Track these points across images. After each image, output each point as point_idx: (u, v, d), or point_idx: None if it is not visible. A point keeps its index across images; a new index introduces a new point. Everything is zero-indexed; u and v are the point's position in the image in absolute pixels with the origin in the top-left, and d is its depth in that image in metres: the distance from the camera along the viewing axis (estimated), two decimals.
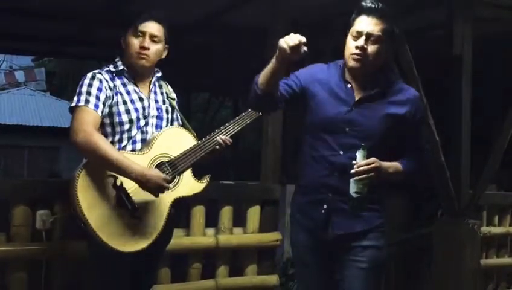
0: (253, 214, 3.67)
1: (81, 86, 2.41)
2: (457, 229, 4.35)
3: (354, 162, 2.29)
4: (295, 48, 2.11)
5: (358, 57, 2.34)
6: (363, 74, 2.40)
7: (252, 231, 3.65)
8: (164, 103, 2.61)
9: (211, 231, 3.53)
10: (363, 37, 2.32)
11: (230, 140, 2.54)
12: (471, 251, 4.35)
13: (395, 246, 5.10)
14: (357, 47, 2.33)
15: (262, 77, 2.29)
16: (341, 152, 2.37)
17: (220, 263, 3.56)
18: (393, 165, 2.41)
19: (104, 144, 2.31)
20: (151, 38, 2.50)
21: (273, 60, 2.21)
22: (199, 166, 2.54)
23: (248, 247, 3.66)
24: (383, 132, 2.37)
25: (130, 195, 2.34)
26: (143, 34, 2.49)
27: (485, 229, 4.65)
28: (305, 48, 2.12)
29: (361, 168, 2.27)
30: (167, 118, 2.60)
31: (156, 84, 2.61)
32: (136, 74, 2.54)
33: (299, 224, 2.52)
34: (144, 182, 2.32)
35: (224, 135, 2.53)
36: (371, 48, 2.33)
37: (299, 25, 3.65)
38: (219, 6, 5.43)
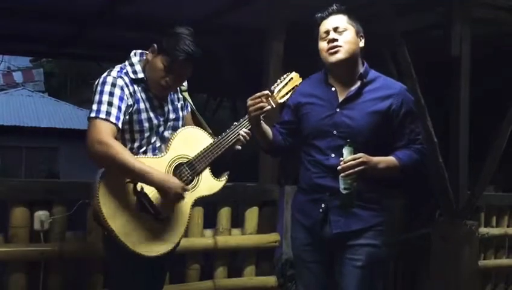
0: (252, 215, 3.67)
1: (101, 93, 2.27)
2: (455, 230, 4.35)
3: (341, 159, 2.32)
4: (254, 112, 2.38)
5: (335, 49, 2.42)
6: (346, 66, 2.45)
7: (251, 232, 3.65)
8: (179, 100, 2.55)
9: (209, 232, 3.53)
10: (331, 31, 2.44)
11: (251, 133, 2.48)
12: (470, 252, 4.35)
13: (394, 247, 5.10)
14: (329, 41, 2.43)
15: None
16: (332, 155, 2.42)
17: (219, 264, 3.56)
18: (385, 159, 2.41)
19: (122, 153, 2.22)
20: (181, 74, 2.39)
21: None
22: (217, 165, 2.50)
23: (246, 248, 3.66)
24: (370, 130, 2.40)
25: (151, 200, 2.32)
26: (175, 71, 2.34)
27: (483, 230, 4.66)
28: (266, 107, 2.36)
29: (347, 164, 2.29)
30: (182, 116, 2.56)
31: None
32: None
33: (299, 223, 2.56)
34: (165, 190, 2.29)
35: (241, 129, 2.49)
36: (342, 37, 2.42)
37: (299, 26, 3.66)
38: (217, 7, 5.43)
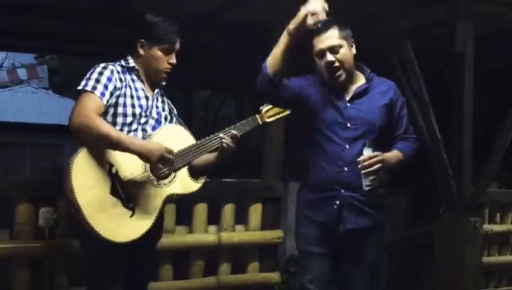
0: (255, 211, 3.68)
1: (92, 72, 2.41)
2: (459, 227, 4.34)
3: (358, 159, 2.47)
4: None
5: (336, 73, 2.54)
6: (345, 77, 2.59)
7: (254, 228, 3.66)
8: (164, 110, 2.61)
9: (213, 228, 3.54)
10: (327, 53, 2.53)
11: (238, 135, 2.56)
12: (473, 249, 4.34)
13: (397, 244, 5.11)
14: (327, 63, 2.53)
15: (270, 58, 2.48)
16: (347, 146, 2.56)
17: (222, 260, 3.57)
18: (395, 155, 2.64)
19: (103, 123, 2.31)
20: (176, 52, 2.54)
21: (284, 35, 2.44)
22: (200, 171, 2.57)
23: (250, 244, 3.67)
24: (379, 121, 2.60)
25: (124, 184, 2.33)
26: (173, 51, 2.52)
27: (486, 227, 4.65)
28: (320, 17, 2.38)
29: (368, 162, 2.45)
30: (164, 124, 2.61)
31: (159, 92, 2.63)
32: (145, 77, 2.54)
33: (308, 218, 2.65)
34: (147, 154, 2.31)
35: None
36: (339, 56, 2.53)
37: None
38: (220, 4, 5.43)
